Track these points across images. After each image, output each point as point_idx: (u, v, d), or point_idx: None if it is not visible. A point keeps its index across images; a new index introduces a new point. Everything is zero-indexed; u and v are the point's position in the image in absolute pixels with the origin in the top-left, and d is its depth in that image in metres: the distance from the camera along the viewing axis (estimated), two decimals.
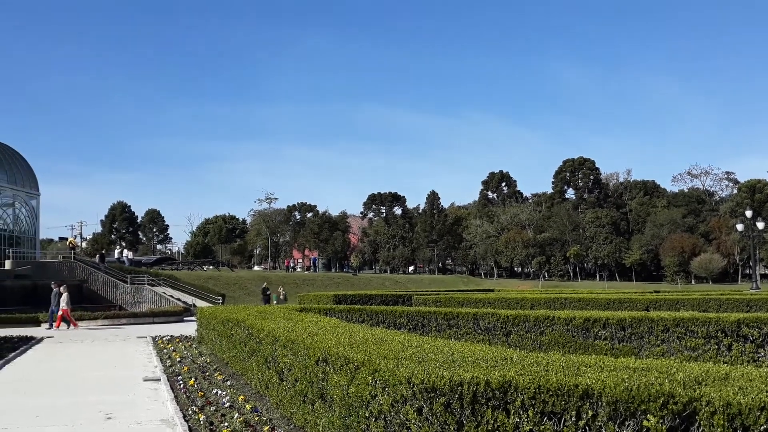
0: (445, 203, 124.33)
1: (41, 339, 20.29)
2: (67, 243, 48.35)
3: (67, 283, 38.86)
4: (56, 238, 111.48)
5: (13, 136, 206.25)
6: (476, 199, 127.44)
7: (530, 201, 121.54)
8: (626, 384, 4.21)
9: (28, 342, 18.88)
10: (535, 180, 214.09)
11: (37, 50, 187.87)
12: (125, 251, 59.87)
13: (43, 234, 64.90)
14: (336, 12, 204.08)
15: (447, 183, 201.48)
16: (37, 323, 27.03)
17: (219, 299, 39.77)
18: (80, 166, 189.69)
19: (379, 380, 5.32)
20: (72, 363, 15.05)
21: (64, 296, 25.81)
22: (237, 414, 8.45)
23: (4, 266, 40.88)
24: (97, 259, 46.83)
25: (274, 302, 35.12)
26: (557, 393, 4.36)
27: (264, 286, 34.41)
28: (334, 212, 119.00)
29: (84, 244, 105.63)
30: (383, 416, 5.26)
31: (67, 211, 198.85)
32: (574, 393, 4.31)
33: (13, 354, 15.92)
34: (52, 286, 27.67)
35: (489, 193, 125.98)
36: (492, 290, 42.50)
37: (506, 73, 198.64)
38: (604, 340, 13.15)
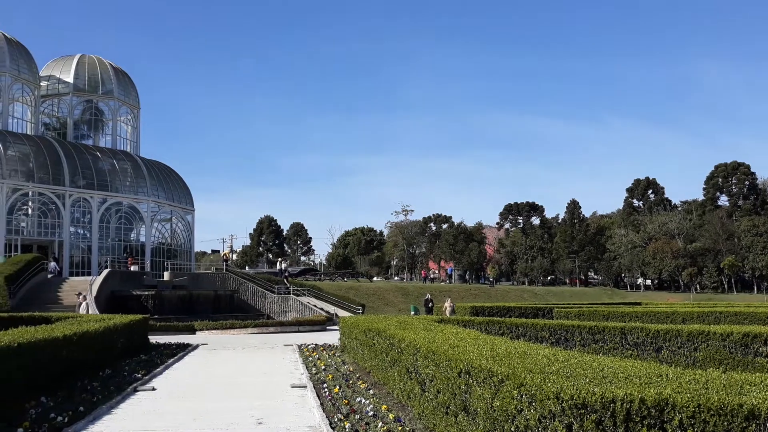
0: (586, 212, 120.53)
1: (197, 346, 21.56)
2: (222, 256, 51.73)
3: (218, 293, 41.47)
4: (209, 251, 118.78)
5: (170, 156, 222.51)
6: (620, 207, 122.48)
7: (679, 209, 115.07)
8: None
9: (185, 348, 20.11)
10: (684, 187, 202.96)
11: (187, 76, 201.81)
12: (284, 263, 64.24)
13: (197, 247, 69.34)
14: (465, 21, 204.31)
15: (588, 191, 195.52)
16: (192, 331, 28.76)
17: (359, 309, 40.63)
18: (230, 182, 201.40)
19: (525, 394, 5.22)
20: (224, 369, 15.88)
21: (83, 305, 26.69)
22: (381, 423, 8.57)
23: (163, 277, 43.98)
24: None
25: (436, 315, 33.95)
26: (719, 412, 4.11)
27: (427, 297, 33.90)
28: (470, 223, 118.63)
29: (234, 257, 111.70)
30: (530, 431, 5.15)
31: (219, 225, 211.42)
32: (738, 413, 4.05)
33: (172, 360, 17.03)
34: (76, 296, 28.95)
35: (634, 200, 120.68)
36: (639, 303, 40.67)
37: (647, 75, 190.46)
38: (766, 357, 12.22)
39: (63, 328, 13.36)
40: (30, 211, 48.35)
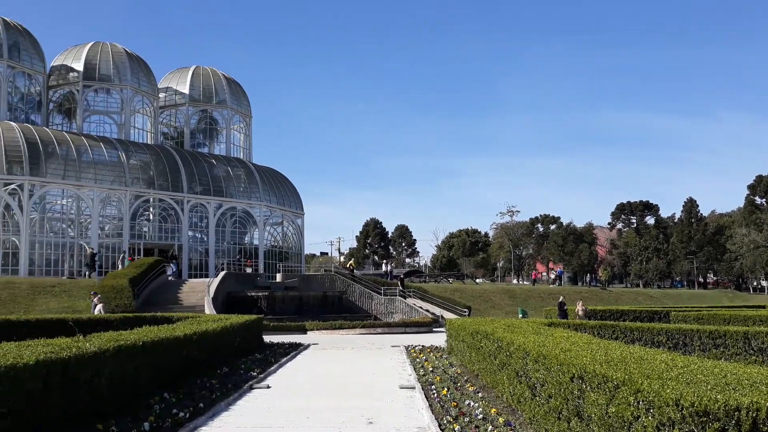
0: (704, 211, 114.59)
1: (308, 345, 22.14)
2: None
3: (327, 294, 42.36)
4: (318, 253, 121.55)
5: (281, 163, 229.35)
6: (740, 205, 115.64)
7: None
8: None
9: (296, 348, 20.69)
10: None
11: (293, 81, 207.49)
12: (390, 265, 65.43)
13: (306, 249, 71.24)
14: (567, 17, 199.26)
15: (705, 189, 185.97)
16: (303, 331, 29.53)
17: (465, 311, 40.38)
18: (337, 186, 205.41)
19: (642, 401, 5.06)
20: (334, 368, 16.22)
21: (99, 307, 26.98)
22: (491, 426, 8.50)
23: (275, 278, 45.41)
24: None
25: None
26: None
27: (561, 300, 33.19)
28: (579, 223, 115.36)
29: (342, 259, 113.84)
30: None
31: (326, 227, 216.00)
32: None
33: (285, 359, 17.56)
34: (91, 295, 29.49)
35: (756, 198, 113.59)
36: (763, 306, 38.31)
37: (764, 65, 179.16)
38: None
39: (184, 328, 14.04)
40: (151, 216, 51.18)
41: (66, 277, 42.34)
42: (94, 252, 43.27)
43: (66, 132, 50.56)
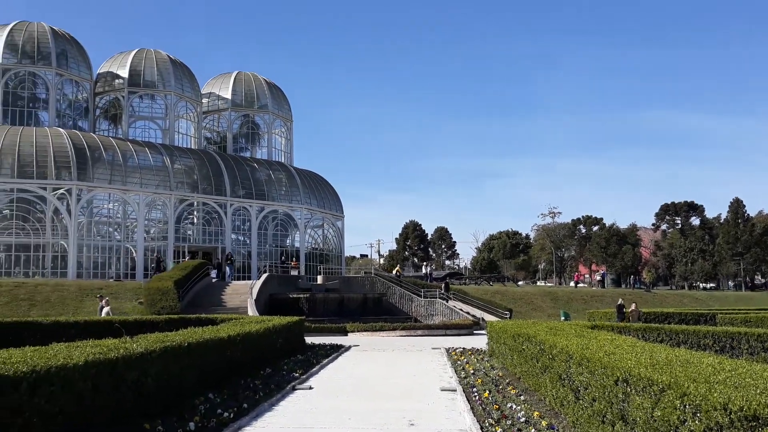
0: (751, 211, 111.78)
1: (349, 347, 22.24)
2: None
3: (367, 296, 42.51)
4: (357, 255, 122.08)
5: (320, 164, 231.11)
6: None
7: None
8: None
9: (338, 350, 20.81)
10: None
11: (331, 84, 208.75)
12: (429, 268, 65.46)
13: (346, 252, 71.62)
14: (604, 15, 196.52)
15: (752, 189, 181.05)
16: (344, 333, 29.68)
17: (506, 314, 40.06)
18: (376, 189, 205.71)
19: (689, 405, 4.98)
20: (375, 370, 16.27)
21: (106, 309, 26.94)
22: (533, 430, 8.44)
23: (316, 281, 45.77)
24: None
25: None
26: None
27: (620, 302, 33.12)
28: (622, 225, 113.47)
29: (381, 261, 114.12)
30: None
31: (366, 230, 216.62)
32: None
33: (326, 360, 17.68)
34: (98, 298, 29.51)
35: None
36: None
37: None
38: None
39: (228, 329, 14.23)
40: (195, 219, 52.03)
41: (113, 279, 43.30)
42: (161, 258, 44.56)
43: (112, 137, 51.76)
